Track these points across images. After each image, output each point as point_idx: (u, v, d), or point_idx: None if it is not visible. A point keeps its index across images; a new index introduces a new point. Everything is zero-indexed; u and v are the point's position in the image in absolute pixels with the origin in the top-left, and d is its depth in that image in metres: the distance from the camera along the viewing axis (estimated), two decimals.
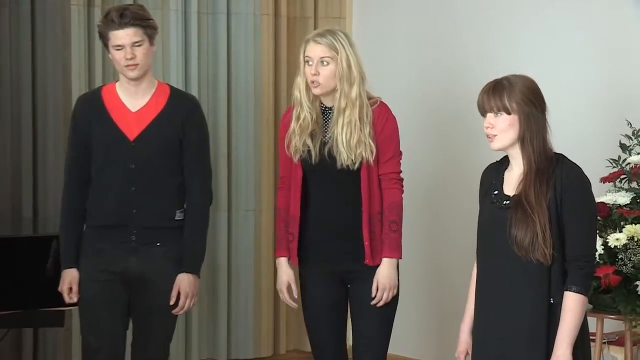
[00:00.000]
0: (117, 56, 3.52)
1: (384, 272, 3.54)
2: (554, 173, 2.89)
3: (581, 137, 4.32)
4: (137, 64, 3.50)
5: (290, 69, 5.09)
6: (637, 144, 3.85)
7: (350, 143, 3.51)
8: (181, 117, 3.58)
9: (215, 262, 4.97)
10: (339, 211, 3.57)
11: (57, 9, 4.53)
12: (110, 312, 3.55)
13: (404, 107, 4.31)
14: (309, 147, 3.58)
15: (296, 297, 3.66)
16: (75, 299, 3.58)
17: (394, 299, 3.58)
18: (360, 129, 3.52)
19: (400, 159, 3.62)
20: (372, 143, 3.53)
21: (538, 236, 2.86)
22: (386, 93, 3.71)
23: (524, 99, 2.90)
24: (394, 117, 3.62)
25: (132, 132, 3.55)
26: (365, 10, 5.23)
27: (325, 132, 3.59)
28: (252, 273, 5.08)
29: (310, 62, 3.54)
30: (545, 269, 2.88)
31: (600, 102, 4.39)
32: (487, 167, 3.09)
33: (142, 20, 3.51)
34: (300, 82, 3.59)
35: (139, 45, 3.50)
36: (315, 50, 3.53)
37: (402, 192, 3.61)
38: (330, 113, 3.59)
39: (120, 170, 3.54)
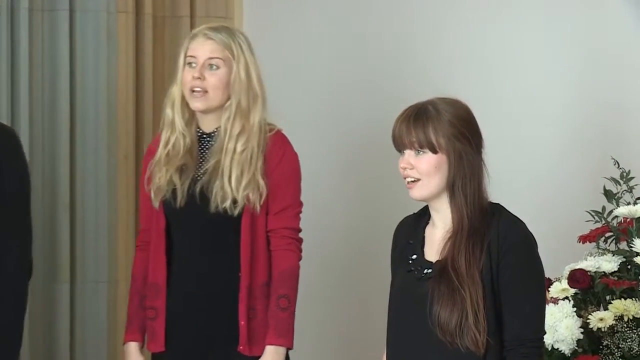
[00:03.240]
0: None
1: None
2: (488, 230, 2.93)
3: (553, 181, 4.39)
4: None
5: (157, 85, 4.99)
6: (626, 191, 3.87)
7: (241, 182, 3.48)
8: None
9: (53, 351, 4.79)
10: (209, 277, 3.52)
11: None
12: None
13: (307, 137, 4.39)
14: (174, 186, 3.51)
15: None
16: None
17: None
18: (257, 163, 3.51)
19: (300, 211, 3.64)
20: (261, 181, 3.50)
21: (468, 317, 2.89)
22: (285, 118, 3.70)
23: (454, 132, 2.93)
24: (295, 154, 3.64)
25: None
26: (259, 9, 5.24)
27: (200, 165, 3.54)
28: None
29: (194, 64, 3.49)
30: (478, 359, 2.91)
31: (578, 135, 4.45)
32: (402, 221, 3.12)
33: None
34: (175, 93, 3.56)
35: None
36: (204, 47, 3.54)
37: (300, 257, 3.62)
38: (208, 141, 3.55)
39: None
